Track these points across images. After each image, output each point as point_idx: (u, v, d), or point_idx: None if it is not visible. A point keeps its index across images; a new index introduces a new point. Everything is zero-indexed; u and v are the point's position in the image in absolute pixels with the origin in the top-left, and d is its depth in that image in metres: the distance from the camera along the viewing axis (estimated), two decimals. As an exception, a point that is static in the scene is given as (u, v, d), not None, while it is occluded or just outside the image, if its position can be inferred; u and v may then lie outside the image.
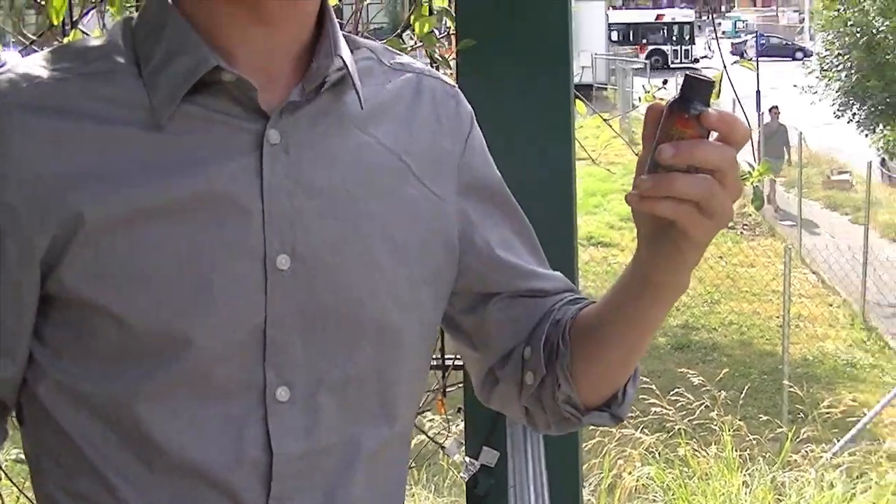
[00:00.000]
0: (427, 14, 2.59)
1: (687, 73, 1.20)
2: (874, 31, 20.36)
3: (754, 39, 44.46)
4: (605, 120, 3.00)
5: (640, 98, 3.28)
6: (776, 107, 20.35)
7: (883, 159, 21.49)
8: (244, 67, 1.25)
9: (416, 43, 2.61)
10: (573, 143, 2.41)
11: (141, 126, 1.23)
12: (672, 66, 45.07)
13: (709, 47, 50.16)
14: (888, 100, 20.79)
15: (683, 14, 49.92)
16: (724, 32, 61.13)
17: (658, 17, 49.95)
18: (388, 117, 1.38)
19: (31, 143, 1.19)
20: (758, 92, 23.94)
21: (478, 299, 1.47)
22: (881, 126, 21.12)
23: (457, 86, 1.51)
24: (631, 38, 48.15)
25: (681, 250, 1.25)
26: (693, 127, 1.17)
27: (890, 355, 12.96)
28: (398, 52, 1.48)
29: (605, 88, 33.38)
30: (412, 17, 2.62)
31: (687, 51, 46.95)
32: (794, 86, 23.45)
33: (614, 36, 47.14)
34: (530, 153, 2.36)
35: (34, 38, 2.77)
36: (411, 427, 1.48)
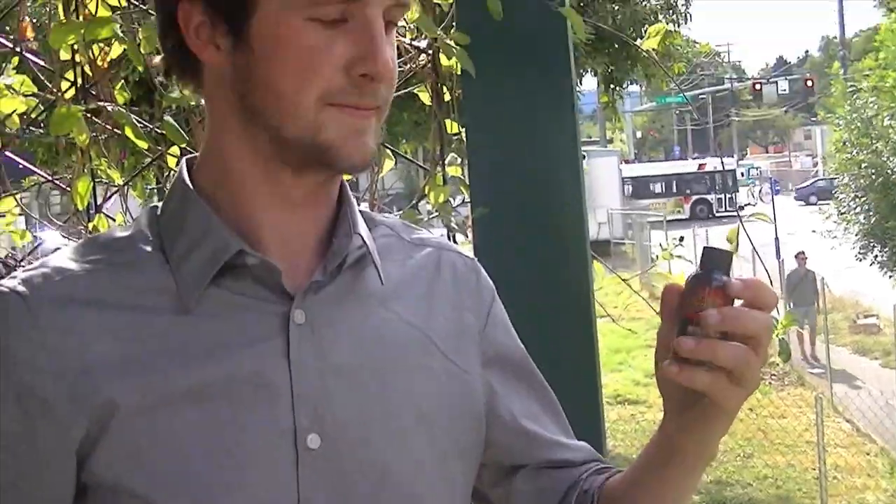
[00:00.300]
0: (441, 184, 2.63)
1: (705, 246, 1.25)
2: (889, 171, 20.39)
3: (769, 185, 44.68)
4: (623, 280, 3.02)
5: (657, 255, 3.31)
6: (802, 252, 19.93)
7: (908, 300, 21.34)
8: (267, 249, 1.29)
9: (431, 212, 2.65)
10: (593, 303, 2.42)
11: (169, 312, 1.25)
12: (717, 214, 45.13)
13: (752, 194, 50.21)
14: (909, 240, 20.75)
15: (725, 163, 50.36)
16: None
17: (700, 166, 50.13)
18: (410, 292, 1.41)
19: (66, 336, 1.22)
20: (776, 238, 24.00)
21: (504, 471, 1.48)
22: (904, 266, 21.05)
23: (476, 259, 1.54)
24: (674, 189, 48.27)
25: (710, 419, 1.28)
26: (719, 297, 1.21)
27: (934, 504, 12.61)
28: (417, 227, 1.52)
29: (623, 243, 33.46)
30: (426, 187, 2.66)
31: (731, 199, 46.97)
32: (813, 231, 23.45)
33: (657, 188, 47.33)
34: (551, 314, 2.37)
35: (60, 223, 2.82)
36: None
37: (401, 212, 2.60)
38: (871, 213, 21.17)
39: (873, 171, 20.80)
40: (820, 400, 12.14)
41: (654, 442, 1.36)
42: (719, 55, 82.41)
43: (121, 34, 2.25)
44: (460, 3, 2.40)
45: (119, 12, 2.42)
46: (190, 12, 1.28)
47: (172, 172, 2.56)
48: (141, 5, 2.48)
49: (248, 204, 1.30)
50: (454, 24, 2.44)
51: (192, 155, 1.39)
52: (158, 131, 2.54)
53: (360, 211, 1.39)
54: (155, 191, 3.19)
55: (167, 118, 2.40)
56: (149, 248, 1.30)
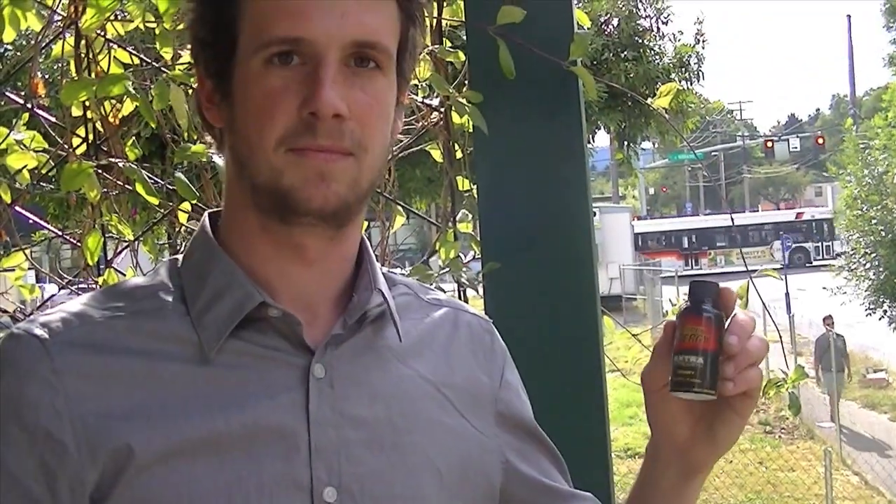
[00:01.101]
0: (452, 240, 2.63)
1: (692, 280, 1.33)
2: (898, 228, 20.42)
3: (780, 242, 44.64)
4: (633, 335, 3.02)
5: (667, 311, 3.31)
6: (830, 316, 19.43)
7: (919, 355, 21.29)
8: (287, 302, 1.30)
9: (442, 268, 2.65)
10: (602, 357, 2.42)
11: (189, 361, 1.26)
12: (814, 262, 45.04)
13: (847, 242, 50.27)
14: (919, 295, 20.72)
15: (821, 211, 50.75)
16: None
17: (798, 215, 50.32)
18: (428, 350, 1.43)
19: (84, 380, 1.22)
20: (787, 294, 23.96)
21: None
22: (913, 321, 21.03)
23: (491, 321, 1.56)
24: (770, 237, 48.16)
25: (721, 440, 1.41)
26: (708, 326, 1.30)
27: (943, 557, 12.58)
28: (432, 287, 1.56)
29: (635, 298, 33.44)
30: (437, 243, 2.66)
31: (828, 247, 46.93)
32: (824, 287, 23.43)
33: (755, 237, 47.18)
34: (560, 368, 2.36)
35: (70, 277, 2.82)
36: None
37: (412, 267, 2.61)
38: (880, 269, 21.19)
39: (883, 227, 20.84)
40: (829, 453, 12.12)
41: (656, 474, 1.48)
42: (732, 113, 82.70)
43: (133, 91, 2.26)
44: (472, 61, 2.41)
45: (131, 69, 2.44)
46: (202, 79, 1.32)
47: (183, 228, 2.57)
48: (153, 63, 2.49)
49: (256, 255, 1.32)
50: (466, 82, 2.45)
51: (216, 209, 1.41)
52: (169, 187, 2.55)
53: (381, 271, 1.41)
54: (166, 246, 3.19)
55: (178, 174, 2.41)
56: (170, 298, 1.31)
